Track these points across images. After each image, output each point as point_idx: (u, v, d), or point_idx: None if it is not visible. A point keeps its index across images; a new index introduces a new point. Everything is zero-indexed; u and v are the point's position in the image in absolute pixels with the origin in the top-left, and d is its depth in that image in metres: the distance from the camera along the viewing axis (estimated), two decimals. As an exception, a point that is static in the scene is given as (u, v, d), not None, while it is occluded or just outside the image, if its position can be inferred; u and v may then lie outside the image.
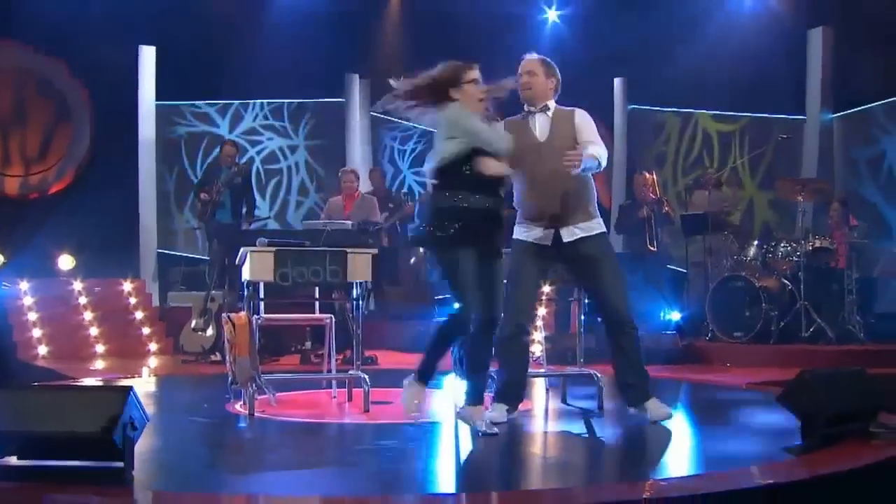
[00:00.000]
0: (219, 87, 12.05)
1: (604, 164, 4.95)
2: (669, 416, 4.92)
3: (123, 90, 11.52)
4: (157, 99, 11.86)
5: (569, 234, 4.95)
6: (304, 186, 12.78)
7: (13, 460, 3.56)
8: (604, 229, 5.08)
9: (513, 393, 5.10)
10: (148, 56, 11.69)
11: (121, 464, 3.52)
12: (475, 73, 4.77)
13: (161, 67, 11.72)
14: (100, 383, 7.14)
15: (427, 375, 4.69)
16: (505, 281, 4.93)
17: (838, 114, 12.10)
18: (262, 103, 12.59)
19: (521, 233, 5.06)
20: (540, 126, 5.06)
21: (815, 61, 12.01)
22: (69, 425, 3.49)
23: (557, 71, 5.16)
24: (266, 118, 12.65)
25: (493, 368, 5.13)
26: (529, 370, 6.75)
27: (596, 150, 4.89)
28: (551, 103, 5.09)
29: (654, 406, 4.96)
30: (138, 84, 11.67)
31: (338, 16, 12.03)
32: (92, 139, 11.69)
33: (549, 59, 5.18)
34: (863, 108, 11.79)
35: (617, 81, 12.91)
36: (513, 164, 4.77)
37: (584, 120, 5.08)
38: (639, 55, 12.06)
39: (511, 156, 4.74)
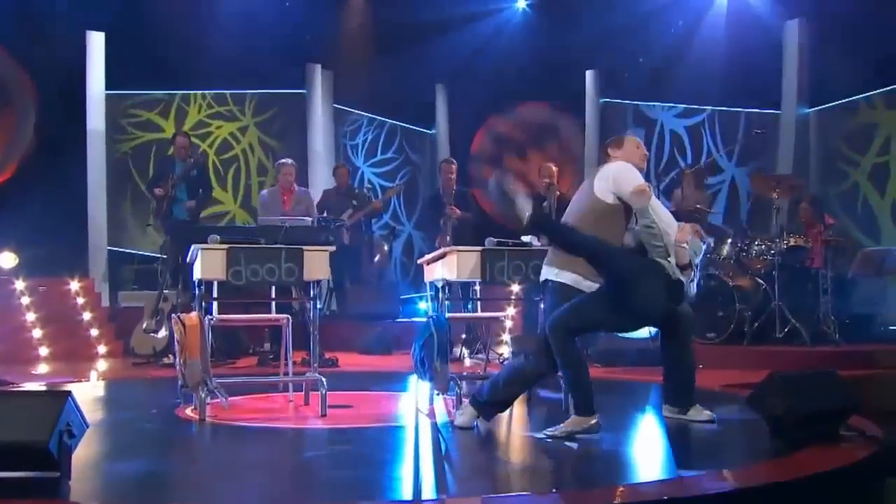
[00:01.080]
0: (174, 75, 11.92)
1: None
2: (713, 420, 5.06)
3: (71, 77, 11.37)
4: (107, 88, 11.73)
5: None
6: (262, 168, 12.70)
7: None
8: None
9: (495, 410, 5.13)
10: (97, 42, 11.53)
11: (57, 474, 3.48)
12: None
13: (111, 54, 11.59)
14: (41, 388, 7.05)
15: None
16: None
17: (815, 108, 12.20)
18: (210, 93, 12.51)
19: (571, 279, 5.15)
20: None
21: (791, 54, 12.09)
22: (3, 434, 3.44)
23: None
24: (211, 106, 12.55)
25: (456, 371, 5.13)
26: (495, 371, 6.83)
27: None
28: None
29: (696, 409, 5.14)
30: (86, 71, 11.52)
31: (300, 2, 11.98)
32: (36, 129, 11.50)
33: None
34: (841, 101, 11.89)
35: (589, 74, 12.94)
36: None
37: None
38: (611, 47, 12.11)
39: None
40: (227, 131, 12.59)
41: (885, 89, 11.29)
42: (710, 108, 12.83)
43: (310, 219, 8.67)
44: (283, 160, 9.84)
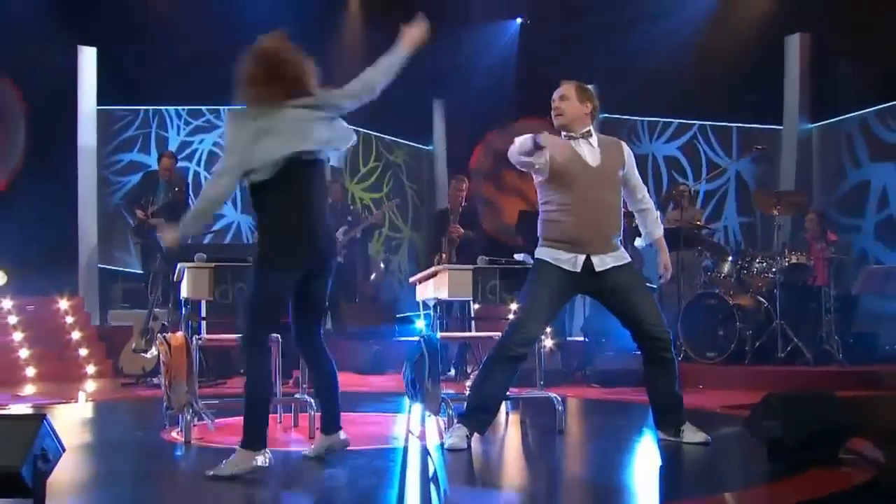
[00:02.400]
0: (169, 91, 11.90)
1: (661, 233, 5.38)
2: (707, 442, 4.95)
3: (61, 93, 11.37)
4: (99, 104, 11.72)
5: (600, 263, 4.97)
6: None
7: None
8: (630, 259, 5.13)
9: (483, 418, 5.04)
10: (88, 57, 11.54)
11: (30, 500, 3.42)
12: None
13: (102, 70, 11.59)
14: (19, 411, 6.97)
15: None
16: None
17: (817, 124, 12.18)
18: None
19: (547, 254, 5.04)
20: (588, 152, 5.05)
21: (792, 69, 12.08)
22: (-29, 459, 3.39)
23: (595, 97, 5.18)
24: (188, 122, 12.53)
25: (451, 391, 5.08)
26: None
27: (659, 233, 5.35)
28: (592, 129, 5.11)
29: (689, 430, 5.01)
30: (77, 87, 11.51)
31: (295, 19, 11.94)
32: (26, 146, 11.49)
33: (584, 85, 5.22)
34: (843, 117, 11.87)
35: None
36: (558, 183, 4.98)
37: (630, 155, 5.21)
38: (609, 62, 12.09)
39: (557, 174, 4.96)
40: (211, 143, 12.52)
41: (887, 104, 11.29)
42: (698, 122, 12.86)
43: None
44: None
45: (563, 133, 5.08)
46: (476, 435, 4.98)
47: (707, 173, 12.58)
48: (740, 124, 12.73)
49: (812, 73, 12.01)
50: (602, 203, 5.00)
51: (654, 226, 5.32)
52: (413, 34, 4.68)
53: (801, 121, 12.17)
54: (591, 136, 5.08)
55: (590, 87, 5.26)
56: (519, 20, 13.32)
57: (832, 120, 12.03)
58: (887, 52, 10.20)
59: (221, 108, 11.93)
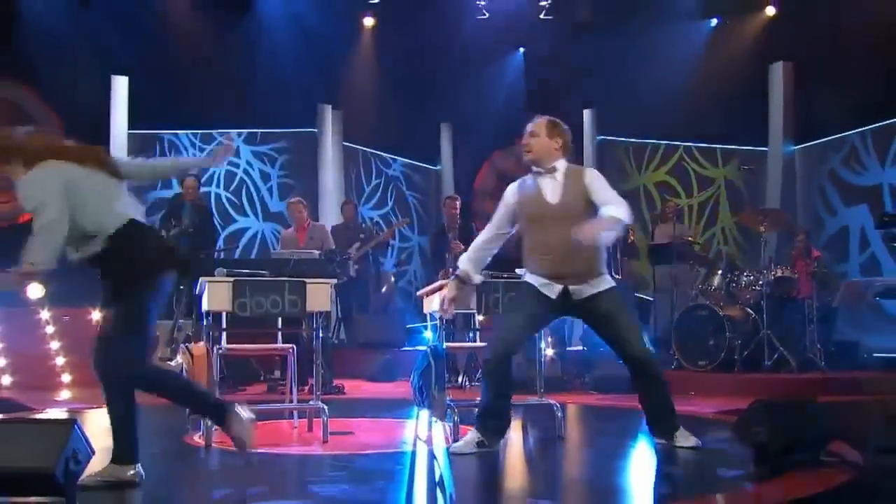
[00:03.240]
0: (191, 116, 11.94)
1: (627, 220, 4.77)
2: (698, 446, 4.87)
3: (96, 119, 11.41)
4: (130, 128, 11.75)
5: (578, 293, 4.86)
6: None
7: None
8: (613, 283, 4.97)
9: (492, 424, 4.95)
10: (120, 86, 11.60)
11: (62, 500, 3.41)
12: None
13: (133, 96, 11.64)
14: (59, 415, 6.98)
15: None
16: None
17: (800, 145, 12.17)
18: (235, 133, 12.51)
19: (529, 278, 4.97)
20: (550, 188, 4.89)
21: (776, 94, 12.10)
22: (9, 460, 3.38)
23: (566, 132, 5.00)
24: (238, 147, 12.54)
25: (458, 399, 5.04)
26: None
27: (613, 211, 4.71)
28: (560, 164, 4.92)
29: (682, 435, 4.92)
30: (110, 113, 11.55)
31: (311, 47, 11.98)
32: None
33: (556, 120, 5.02)
34: (824, 139, 11.86)
35: (586, 113, 12.95)
36: (523, 225, 4.92)
37: (594, 178, 4.90)
38: (607, 88, 12.12)
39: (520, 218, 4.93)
40: (247, 172, 12.57)
41: (868, 127, 11.27)
42: (693, 144, 12.85)
43: (317, 252, 8.63)
44: (290, 199, 9.90)
45: (533, 168, 4.96)
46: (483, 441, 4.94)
47: (698, 189, 12.58)
48: (728, 146, 12.73)
49: (795, 99, 12.01)
50: (567, 239, 4.64)
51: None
52: (224, 152, 4.64)
53: (786, 143, 12.16)
54: (555, 171, 4.90)
55: (558, 121, 5.03)
56: (522, 49, 13.31)
57: (814, 142, 12.01)
58: (864, 78, 10.21)
59: (233, 131, 12.02)
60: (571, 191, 4.84)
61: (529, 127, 4.96)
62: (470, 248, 5.16)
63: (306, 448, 5.33)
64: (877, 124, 11.20)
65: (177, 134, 12.32)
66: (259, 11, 12.27)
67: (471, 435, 4.90)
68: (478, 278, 5.13)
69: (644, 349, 4.92)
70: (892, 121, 11.02)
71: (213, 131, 12.34)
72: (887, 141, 11.14)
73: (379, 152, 13.30)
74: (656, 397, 4.96)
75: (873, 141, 11.33)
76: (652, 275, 10.31)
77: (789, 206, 11.67)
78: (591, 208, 4.80)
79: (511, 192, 5.05)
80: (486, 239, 5.10)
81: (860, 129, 11.37)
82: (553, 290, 4.85)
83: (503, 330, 4.95)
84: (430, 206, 14.09)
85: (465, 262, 5.08)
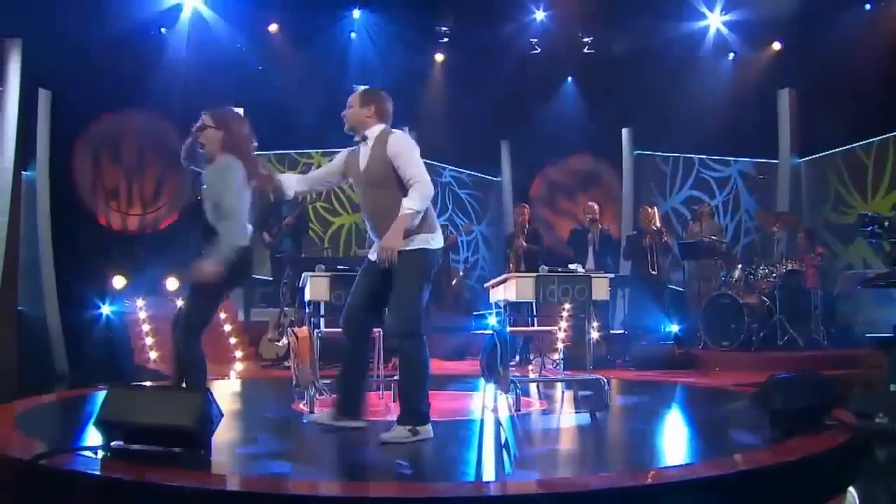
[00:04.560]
0: (284, 139, 12.05)
1: (420, 207, 4.09)
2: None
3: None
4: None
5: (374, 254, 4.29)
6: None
7: (122, 444, 3.60)
8: (416, 248, 4.16)
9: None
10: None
11: (201, 451, 3.52)
12: None
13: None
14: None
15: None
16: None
17: (805, 158, 12.02)
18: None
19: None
20: (363, 155, 4.29)
21: (784, 115, 11.96)
22: (162, 418, 3.51)
23: (380, 98, 4.32)
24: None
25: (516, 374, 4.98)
26: (548, 374, 6.68)
27: (407, 203, 4.06)
28: (370, 132, 4.26)
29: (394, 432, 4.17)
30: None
31: (391, 76, 12.02)
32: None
33: (370, 88, 4.36)
34: (824, 154, 11.67)
35: (625, 131, 12.83)
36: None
37: (397, 151, 4.15)
38: (643, 111, 12.02)
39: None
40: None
41: (863, 142, 11.03)
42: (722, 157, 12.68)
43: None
44: None
45: (354, 138, 4.37)
46: (542, 409, 4.87)
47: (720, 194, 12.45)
48: (745, 158, 12.55)
49: (799, 119, 11.86)
50: (370, 202, 4.23)
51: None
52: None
53: (792, 156, 11.98)
54: (366, 139, 4.28)
55: (375, 89, 4.37)
56: (570, 78, 13.22)
57: (816, 156, 11.84)
58: (857, 102, 10.03)
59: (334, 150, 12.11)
60: (377, 159, 4.20)
61: (348, 99, 4.34)
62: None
63: (391, 414, 5.38)
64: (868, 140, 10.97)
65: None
66: (351, 55, 12.37)
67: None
68: (290, 188, 4.55)
69: (392, 325, 4.21)
70: (882, 137, 10.77)
71: (292, 151, 12.42)
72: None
73: (446, 166, 13.30)
74: (402, 375, 4.27)
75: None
76: (683, 269, 10.20)
77: (797, 209, 11.49)
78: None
79: (343, 155, 4.49)
80: (319, 173, 4.64)
81: (855, 144, 11.16)
82: (374, 254, 4.31)
83: (350, 295, 4.43)
84: (492, 210, 14.07)
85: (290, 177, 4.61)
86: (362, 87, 4.37)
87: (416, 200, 4.09)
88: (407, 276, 4.15)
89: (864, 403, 4.46)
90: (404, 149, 4.17)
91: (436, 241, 4.26)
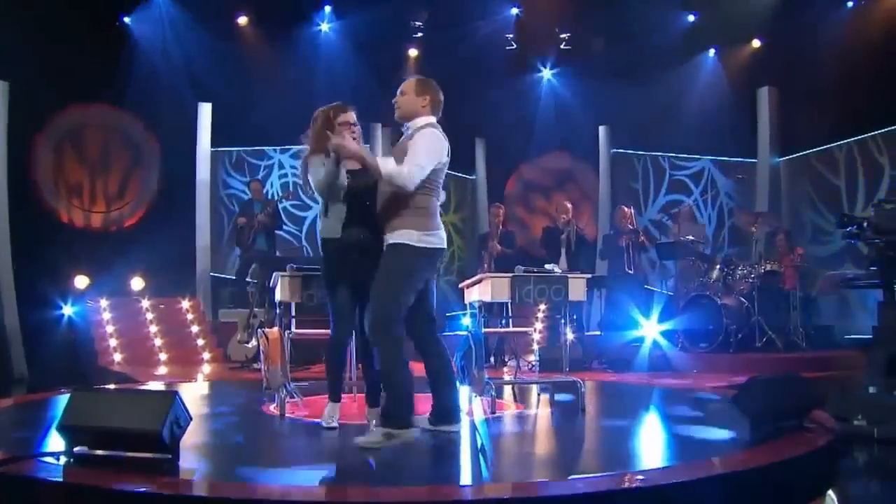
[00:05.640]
0: (259, 136, 12.01)
1: (388, 177, 4.06)
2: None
3: (184, 140, 11.56)
4: (212, 146, 11.88)
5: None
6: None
7: (86, 449, 3.57)
8: (397, 241, 4.16)
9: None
10: (205, 111, 11.73)
11: (169, 456, 3.50)
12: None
13: (215, 120, 11.76)
14: (159, 387, 7.11)
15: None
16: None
17: (784, 157, 12.13)
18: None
19: None
20: (397, 146, 4.34)
21: (763, 114, 12.08)
22: (128, 422, 3.49)
23: (434, 89, 4.33)
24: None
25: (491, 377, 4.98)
26: (523, 377, 6.70)
27: (391, 164, 4.08)
28: (417, 122, 4.26)
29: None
30: (197, 135, 11.70)
31: (365, 70, 11.98)
32: (159, 181, 11.73)
33: (425, 78, 4.37)
34: (803, 153, 11.80)
35: (601, 129, 12.88)
36: None
37: (416, 138, 4.19)
38: (619, 108, 12.07)
39: None
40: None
41: (843, 141, 11.16)
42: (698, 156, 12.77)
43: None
44: None
45: (402, 127, 4.34)
46: (518, 411, 4.90)
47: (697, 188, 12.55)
48: (722, 157, 12.66)
49: (779, 118, 11.97)
50: (379, 194, 4.26)
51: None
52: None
53: (772, 155, 12.09)
54: (409, 129, 4.28)
55: (429, 79, 4.35)
56: (546, 76, 13.24)
57: (795, 155, 11.95)
58: (837, 100, 10.16)
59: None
60: (399, 149, 4.25)
61: (401, 86, 4.31)
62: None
63: (364, 418, 5.36)
64: (851, 139, 11.09)
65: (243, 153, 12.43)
66: (319, 45, 12.31)
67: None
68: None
69: (367, 319, 4.19)
70: (864, 136, 10.90)
71: (268, 148, 12.40)
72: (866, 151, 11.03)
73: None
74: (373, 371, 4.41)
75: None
76: (660, 269, 10.29)
77: (775, 210, 11.59)
78: None
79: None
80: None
81: (837, 143, 11.28)
82: None
83: None
84: (467, 211, 14.09)
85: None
86: (416, 76, 4.36)
87: (395, 169, 4.05)
88: (384, 269, 4.14)
89: (842, 406, 4.51)
90: (422, 139, 4.16)
91: (425, 240, 4.17)
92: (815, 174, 11.62)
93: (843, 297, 9.93)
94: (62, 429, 3.56)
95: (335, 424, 4.60)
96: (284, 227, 11.32)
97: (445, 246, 4.32)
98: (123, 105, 11.12)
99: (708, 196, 12.53)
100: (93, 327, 9.58)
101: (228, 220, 11.87)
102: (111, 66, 10.69)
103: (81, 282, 10.06)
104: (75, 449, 3.54)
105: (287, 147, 12.29)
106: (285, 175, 12.38)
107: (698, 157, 12.72)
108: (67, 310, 9.80)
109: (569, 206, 9.87)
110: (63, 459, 3.48)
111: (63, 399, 3.68)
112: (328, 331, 6.16)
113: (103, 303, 9.79)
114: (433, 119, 4.31)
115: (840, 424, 4.36)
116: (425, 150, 4.13)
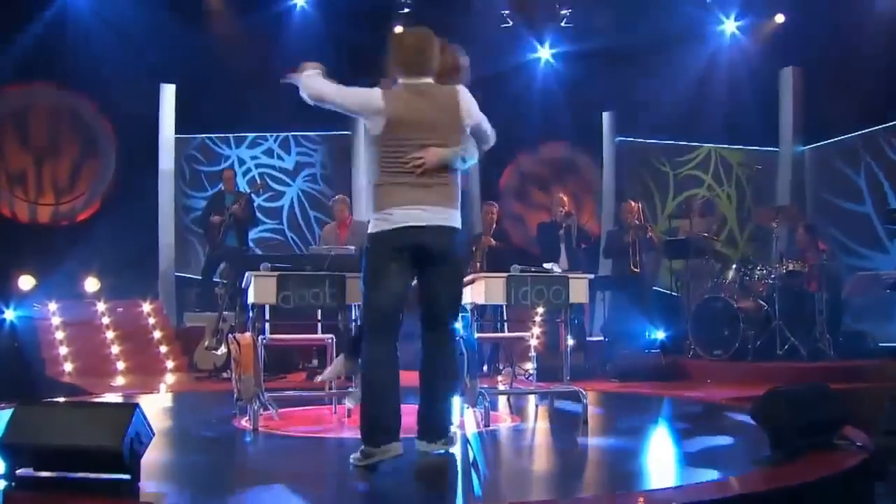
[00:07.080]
0: (232, 120, 11.99)
1: (490, 144, 4.62)
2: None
3: (145, 125, 11.52)
4: (176, 133, 11.84)
5: None
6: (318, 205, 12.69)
7: (31, 471, 3.51)
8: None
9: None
10: (168, 93, 11.68)
11: (128, 476, 3.47)
12: None
13: (180, 103, 11.72)
14: (117, 399, 7.09)
15: None
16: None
17: (809, 146, 12.12)
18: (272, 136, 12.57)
19: None
20: None
21: (786, 98, 12.06)
22: (80, 440, 3.45)
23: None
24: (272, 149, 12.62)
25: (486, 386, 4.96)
26: (519, 386, 6.73)
27: (468, 146, 4.45)
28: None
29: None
30: (159, 119, 11.65)
31: (346, 53, 11.96)
32: (116, 170, 11.70)
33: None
34: (832, 140, 11.80)
35: (605, 115, 12.89)
36: None
37: (469, 100, 4.56)
38: (626, 91, 12.07)
39: None
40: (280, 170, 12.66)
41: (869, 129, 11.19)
42: (711, 145, 12.81)
43: (353, 248, 8.66)
44: (335, 197, 9.96)
45: None
46: (514, 424, 4.92)
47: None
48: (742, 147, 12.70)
49: (804, 101, 11.96)
50: None
51: None
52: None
53: (795, 144, 12.11)
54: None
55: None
56: (544, 57, 13.26)
57: (822, 143, 11.95)
58: (866, 82, 10.15)
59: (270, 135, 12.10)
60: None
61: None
62: None
63: (346, 432, 5.37)
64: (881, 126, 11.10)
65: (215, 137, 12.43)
66: (294, 23, 12.28)
67: None
68: None
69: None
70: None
71: (249, 134, 12.41)
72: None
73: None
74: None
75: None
76: (670, 268, 10.31)
77: (799, 204, 11.61)
78: None
79: None
80: None
81: (866, 130, 11.28)
82: None
83: None
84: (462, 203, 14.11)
85: None
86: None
87: (486, 135, 4.63)
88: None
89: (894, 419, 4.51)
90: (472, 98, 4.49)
91: (379, 223, 4.21)
92: (843, 165, 11.64)
93: (876, 300, 9.92)
94: (2, 448, 3.51)
95: None
96: (261, 223, 11.36)
97: (416, 223, 4.14)
98: (71, 85, 11.07)
99: (731, 187, 12.57)
100: (39, 333, 9.51)
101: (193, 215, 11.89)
102: (57, 41, 10.63)
103: (26, 283, 10.00)
104: (18, 471, 3.50)
105: (263, 135, 12.31)
106: (249, 170, 12.43)
107: (713, 145, 12.77)
108: (9, 314, 9.73)
109: (566, 199, 9.89)
110: (2, 483, 3.45)
111: (4, 414, 3.65)
112: (306, 335, 6.18)
113: (52, 306, 9.74)
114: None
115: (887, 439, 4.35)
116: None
